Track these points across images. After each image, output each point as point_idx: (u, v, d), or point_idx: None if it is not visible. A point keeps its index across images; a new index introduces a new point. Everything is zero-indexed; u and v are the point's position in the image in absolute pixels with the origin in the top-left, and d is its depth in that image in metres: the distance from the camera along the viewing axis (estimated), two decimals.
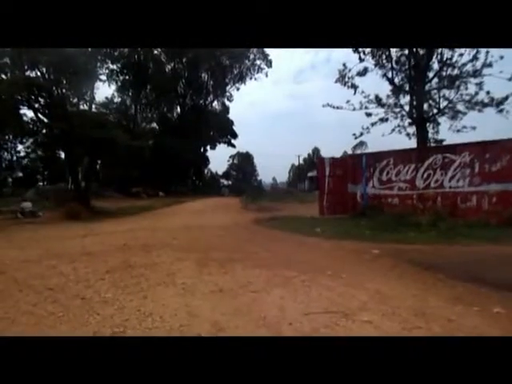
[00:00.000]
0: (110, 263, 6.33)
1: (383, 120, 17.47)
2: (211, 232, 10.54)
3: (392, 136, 17.75)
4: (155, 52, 44.43)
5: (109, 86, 43.77)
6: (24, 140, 37.72)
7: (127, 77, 43.58)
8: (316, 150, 76.01)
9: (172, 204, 24.74)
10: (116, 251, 7.51)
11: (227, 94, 50.74)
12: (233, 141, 53.63)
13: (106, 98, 44.43)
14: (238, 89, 50.29)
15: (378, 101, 17.34)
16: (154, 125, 50.15)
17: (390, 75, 17.14)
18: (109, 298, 4.37)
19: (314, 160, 69.47)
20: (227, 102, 51.70)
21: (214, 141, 51.93)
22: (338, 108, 17.68)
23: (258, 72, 47.98)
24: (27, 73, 19.91)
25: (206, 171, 54.11)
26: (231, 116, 52.62)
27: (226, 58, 46.54)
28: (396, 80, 17.25)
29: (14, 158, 43.79)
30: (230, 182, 60.84)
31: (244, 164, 68.27)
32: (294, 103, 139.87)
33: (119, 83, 44.11)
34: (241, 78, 49.20)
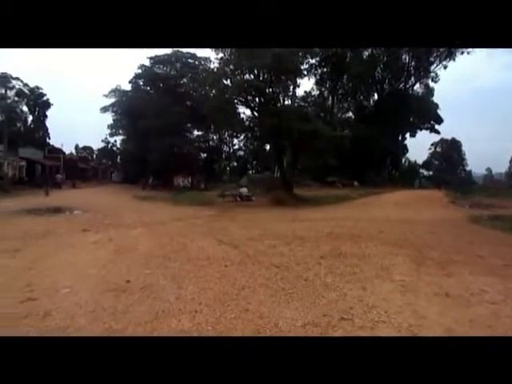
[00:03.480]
0: (322, 249, 6.68)
1: None
2: (418, 227, 9.75)
3: None
4: None
5: (308, 79, 46.19)
6: (238, 135, 44.27)
7: (325, 69, 44.92)
8: None
9: (368, 195, 24.27)
10: (324, 238, 7.88)
11: (431, 74, 45.42)
12: (436, 126, 48.00)
13: (305, 91, 47.07)
14: (445, 67, 44.35)
15: None
16: (350, 114, 50.09)
17: None
18: (329, 284, 4.60)
19: None
20: (431, 83, 46.41)
21: (414, 127, 47.69)
22: None
23: None
24: (245, 76, 22.85)
25: (403, 160, 50.50)
26: (436, 98, 47.11)
27: None
28: None
29: (231, 150, 52.13)
30: (430, 173, 54.92)
31: (449, 152, 60.12)
32: None
33: (318, 76, 45.95)
34: (449, 55, 43.11)
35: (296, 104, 32.42)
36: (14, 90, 46.28)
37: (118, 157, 51.71)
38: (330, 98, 47.84)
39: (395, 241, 7.55)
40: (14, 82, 45.63)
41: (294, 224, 10.33)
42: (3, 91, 41.46)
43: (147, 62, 38.27)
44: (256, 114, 22.19)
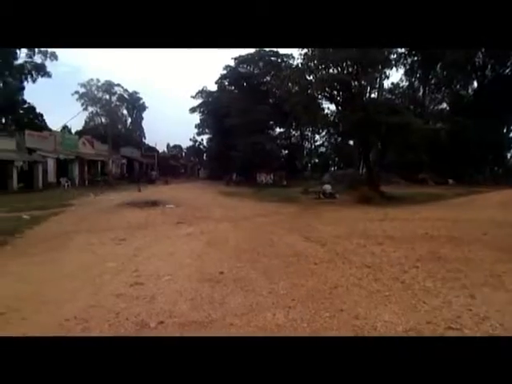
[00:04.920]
0: (418, 251, 6.21)
1: None
2: None
3: None
4: None
5: (396, 70, 43.37)
6: (320, 131, 43.48)
7: (415, 58, 41.75)
8: None
9: (466, 194, 21.95)
10: (419, 239, 7.32)
11: None
12: None
13: (392, 83, 44.29)
14: None
15: None
16: (444, 105, 45.87)
17: None
18: (430, 289, 4.26)
19: None
20: None
21: None
22: None
23: None
24: (330, 70, 22.27)
25: (509, 156, 44.69)
26: None
27: None
28: None
29: (313, 146, 51.53)
30: None
31: None
32: None
33: (407, 66, 42.93)
34: None
35: (383, 97, 30.74)
36: (116, 96, 51.62)
37: (205, 154, 54.49)
38: (421, 89, 44.40)
39: (504, 245, 6.69)
40: (116, 88, 50.94)
41: (383, 223, 9.79)
42: (108, 97, 46.41)
43: (232, 63, 39.67)
44: (341, 108, 21.55)
